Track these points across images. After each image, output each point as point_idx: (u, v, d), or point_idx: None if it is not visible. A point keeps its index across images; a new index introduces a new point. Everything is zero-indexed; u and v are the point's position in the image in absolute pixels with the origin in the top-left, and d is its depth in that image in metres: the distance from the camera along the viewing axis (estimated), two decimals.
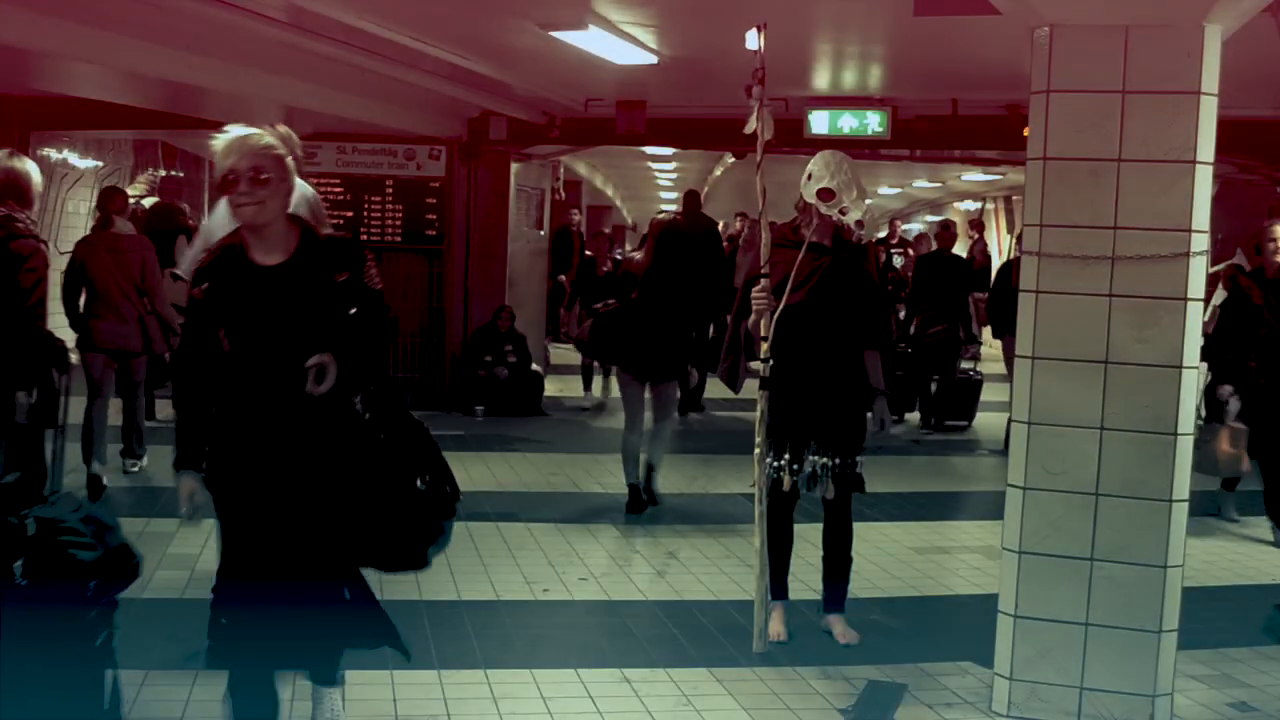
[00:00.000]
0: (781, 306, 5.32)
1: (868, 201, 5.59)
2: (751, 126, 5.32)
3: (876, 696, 4.97)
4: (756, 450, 5.40)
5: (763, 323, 5.35)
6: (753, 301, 5.36)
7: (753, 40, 5.29)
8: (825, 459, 5.43)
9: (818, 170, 5.36)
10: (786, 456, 5.46)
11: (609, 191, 28.77)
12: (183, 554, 6.61)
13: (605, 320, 8.00)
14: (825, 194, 5.32)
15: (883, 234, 19.09)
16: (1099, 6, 4.52)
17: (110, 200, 8.48)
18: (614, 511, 8.01)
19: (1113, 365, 4.58)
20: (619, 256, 15.11)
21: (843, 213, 5.31)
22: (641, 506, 7.97)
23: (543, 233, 14.65)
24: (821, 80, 10.66)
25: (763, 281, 5.33)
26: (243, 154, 3.72)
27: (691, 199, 12.45)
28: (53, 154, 14.38)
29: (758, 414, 5.39)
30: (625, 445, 7.99)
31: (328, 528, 3.78)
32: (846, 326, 5.47)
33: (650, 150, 17.02)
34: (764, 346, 5.36)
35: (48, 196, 14.25)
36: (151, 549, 6.68)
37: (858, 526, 5.74)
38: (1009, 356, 9.47)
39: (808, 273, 5.38)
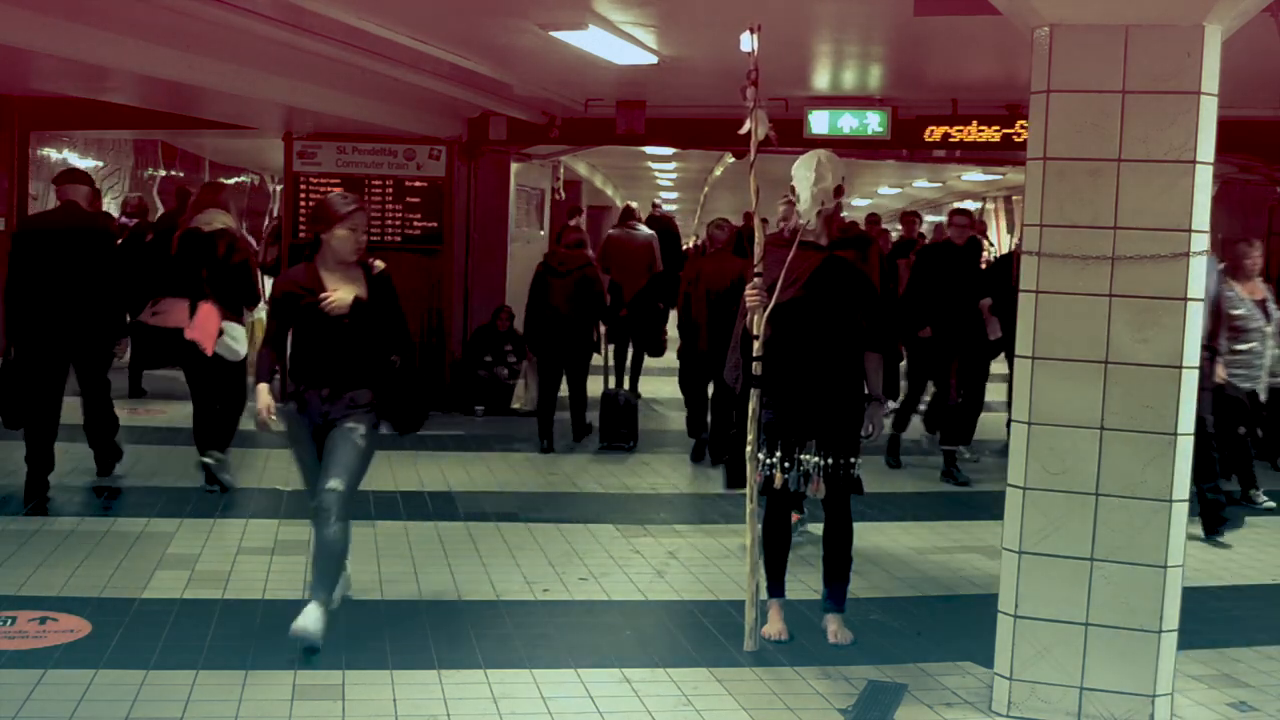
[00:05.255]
0: (772, 304, 5.34)
1: (859, 200, 5.69)
2: (746, 128, 5.35)
3: (876, 696, 4.97)
4: (748, 448, 5.41)
5: (755, 320, 5.36)
6: (745, 299, 5.38)
7: (746, 42, 5.32)
8: (818, 459, 5.43)
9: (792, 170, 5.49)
10: (778, 455, 5.46)
11: (609, 191, 28.76)
12: (183, 554, 6.62)
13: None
14: (790, 191, 5.48)
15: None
16: (1099, 6, 4.52)
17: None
18: (614, 511, 8.01)
19: (1113, 365, 4.58)
20: None
21: (792, 205, 5.47)
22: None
23: (543, 233, 14.66)
24: (821, 80, 10.66)
25: (755, 280, 5.34)
26: None
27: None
28: (53, 154, 14.38)
29: (749, 412, 5.40)
30: None
31: None
32: (841, 325, 5.47)
33: (650, 150, 17.02)
34: (756, 345, 5.37)
35: (48, 196, 14.27)
36: (151, 549, 6.70)
37: (858, 526, 5.74)
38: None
39: (800, 271, 5.39)
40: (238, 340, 8.02)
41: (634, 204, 14.41)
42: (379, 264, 5.57)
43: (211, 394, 8.17)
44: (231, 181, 19.93)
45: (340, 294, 5.38)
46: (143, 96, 10.27)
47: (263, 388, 5.41)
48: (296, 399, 5.47)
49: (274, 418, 5.38)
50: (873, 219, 16.56)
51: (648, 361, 13.02)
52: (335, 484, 5.34)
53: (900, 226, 13.66)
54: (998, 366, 9.90)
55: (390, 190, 12.20)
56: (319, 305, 5.35)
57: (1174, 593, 4.60)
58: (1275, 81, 8.88)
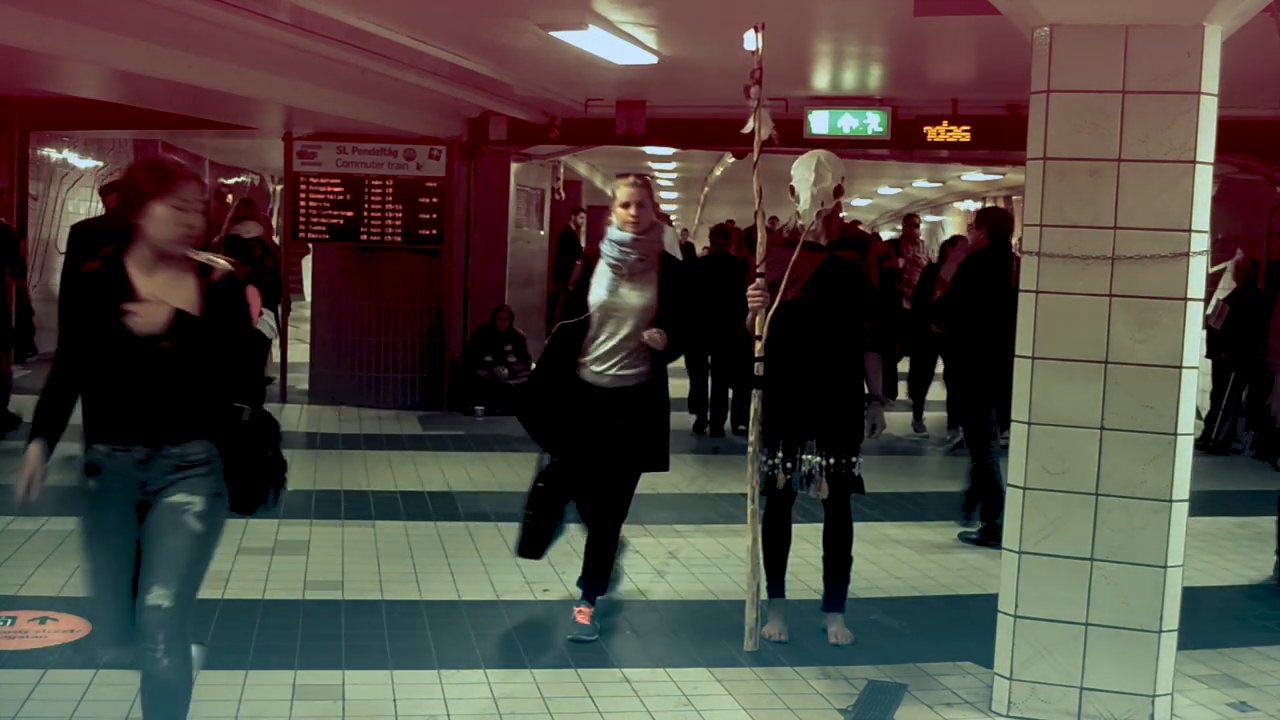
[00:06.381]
0: (775, 304, 5.34)
1: (859, 200, 5.65)
2: (749, 127, 5.35)
3: (876, 696, 4.97)
4: (750, 449, 5.41)
5: (757, 320, 5.37)
6: (748, 299, 5.38)
7: (750, 41, 5.32)
8: (819, 459, 5.43)
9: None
10: (780, 455, 5.46)
11: (609, 191, 28.77)
12: None
13: None
14: (790, 192, 5.46)
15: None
16: (1099, 6, 4.52)
17: None
18: None
19: (1113, 365, 4.58)
20: None
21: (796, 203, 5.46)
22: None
23: (543, 232, 14.66)
24: (821, 80, 10.66)
25: (758, 280, 5.35)
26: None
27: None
28: (53, 154, 14.39)
29: (751, 412, 5.40)
30: None
31: None
32: (841, 326, 5.47)
33: (650, 150, 17.02)
34: (758, 345, 5.37)
35: (48, 196, 14.28)
36: None
37: (858, 526, 5.74)
38: None
39: (801, 271, 5.40)
40: (271, 327, 9.99)
41: None
42: (223, 263, 3.71)
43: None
44: (231, 181, 19.99)
45: (152, 307, 3.57)
46: (142, 96, 10.28)
47: (35, 449, 3.59)
48: (96, 467, 3.66)
49: (32, 490, 3.57)
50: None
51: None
52: (160, 597, 3.56)
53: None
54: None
55: (390, 190, 12.20)
56: (122, 320, 3.55)
57: (1174, 593, 4.60)
58: (1275, 81, 8.88)
